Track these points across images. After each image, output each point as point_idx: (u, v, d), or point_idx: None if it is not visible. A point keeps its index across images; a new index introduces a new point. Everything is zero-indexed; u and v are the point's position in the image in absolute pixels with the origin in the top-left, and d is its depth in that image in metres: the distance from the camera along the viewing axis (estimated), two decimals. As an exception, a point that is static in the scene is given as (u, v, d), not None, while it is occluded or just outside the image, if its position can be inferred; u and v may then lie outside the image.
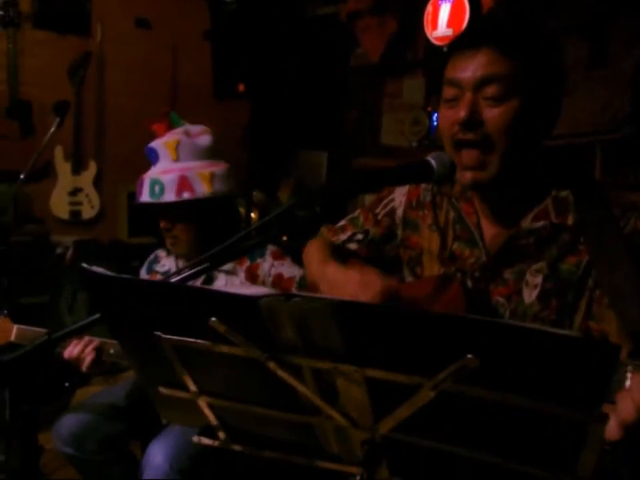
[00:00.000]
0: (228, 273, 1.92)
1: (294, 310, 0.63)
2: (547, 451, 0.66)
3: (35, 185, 3.40)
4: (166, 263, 2.06)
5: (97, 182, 3.59)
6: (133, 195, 3.56)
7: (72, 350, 1.78)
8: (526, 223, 1.14)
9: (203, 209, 1.86)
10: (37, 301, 3.07)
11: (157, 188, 1.83)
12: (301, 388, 0.73)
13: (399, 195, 1.35)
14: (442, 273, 1.24)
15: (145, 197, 1.86)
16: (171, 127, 1.95)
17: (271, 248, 1.95)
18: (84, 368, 1.78)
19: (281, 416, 0.82)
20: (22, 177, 2.24)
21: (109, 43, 3.59)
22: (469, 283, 1.19)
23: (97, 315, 0.90)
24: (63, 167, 3.48)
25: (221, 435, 0.93)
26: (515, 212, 1.16)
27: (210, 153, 1.92)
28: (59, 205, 3.49)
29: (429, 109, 3.41)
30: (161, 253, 2.11)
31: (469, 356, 0.58)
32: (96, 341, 1.80)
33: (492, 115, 1.06)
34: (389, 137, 3.59)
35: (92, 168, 3.55)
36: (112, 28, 3.58)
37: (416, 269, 1.31)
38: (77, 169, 3.49)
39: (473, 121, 1.06)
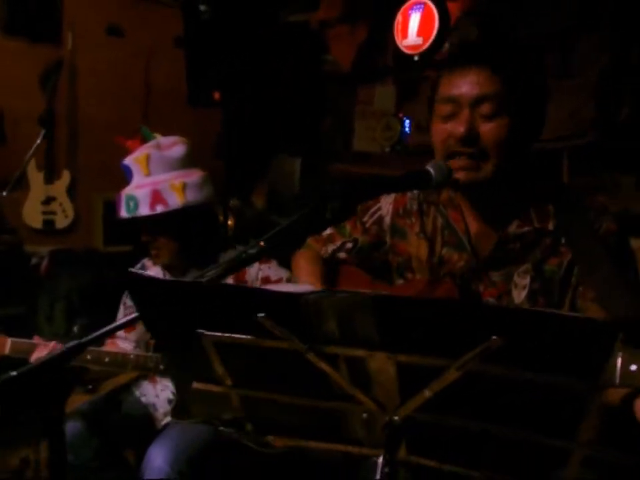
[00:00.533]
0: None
1: (338, 304, 0.71)
2: (555, 420, 0.76)
3: (8, 195, 3.39)
4: (153, 272, 2.10)
5: (71, 191, 3.59)
6: (108, 204, 3.60)
7: (37, 356, 1.83)
8: (512, 229, 1.26)
9: (179, 220, 1.89)
10: (13, 312, 3.06)
11: (131, 203, 1.87)
12: (336, 376, 0.81)
13: (386, 204, 1.44)
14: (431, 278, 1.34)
15: (123, 213, 1.90)
16: (144, 141, 1.97)
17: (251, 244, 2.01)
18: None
19: (312, 403, 0.90)
20: (4, 193, 2.24)
21: (81, 51, 3.60)
22: (459, 285, 1.29)
23: (135, 315, 0.95)
24: (36, 177, 3.47)
25: (248, 426, 1.00)
26: (500, 218, 1.27)
27: (182, 163, 1.94)
28: (32, 215, 3.48)
29: (401, 115, 3.55)
30: (148, 262, 2.14)
31: (494, 337, 0.67)
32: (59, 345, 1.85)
33: (486, 129, 1.17)
34: (362, 143, 3.70)
35: (65, 177, 3.55)
36: (83, 36, 3.59)
37: (406, 274, 1.40)
38: (50, 178, 3.49)
39: (471, 137, 1.17)
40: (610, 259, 1.14)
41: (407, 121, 3.47)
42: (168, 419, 1.96)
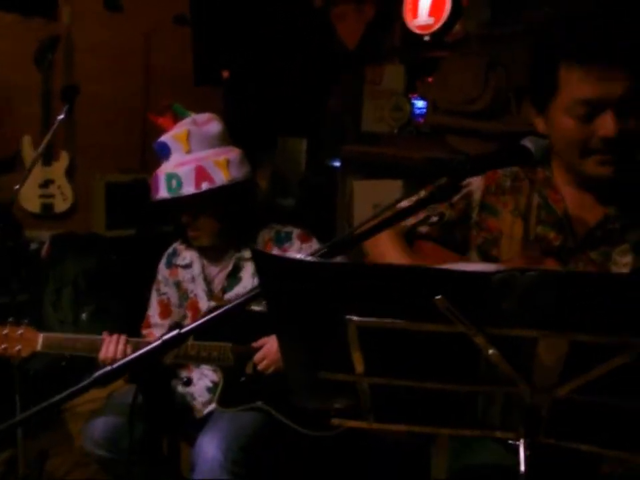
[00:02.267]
0: None
1: (527, 282, 0.70)
2: None
3: (1, 177, 3.27)
4: (187, 256, 2.06)
5: (70, 173, 3.48)
6: (110, 186, 3.51)
7: (105, 352, 1.77)
8: (612, 210, 1.25)
9: (224, 197, 1.88)
10: (17, 299, 2.95)
11: (174, 182, 1.82)
12: (499, 359, 0.79)
13: (476, 180, 1.43)
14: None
15: (163, 193, 1.85)
16: (176, 118, 1.94)
17: (296, 231, 2.00)
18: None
19: (453, 388, 0.88)
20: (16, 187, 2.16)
21: (78, 26, 3.48)
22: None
23: (255, 293, 0.91)
24: (32, 158, 3.34)
25: (370, 416, 0.98)
26: (601, 200, 1.27)
27: (221, 140, 1.94)
28: (30, 199, 3.37)
29: (410, 95, 3.51)
30: (180, 245, 2.11)
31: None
32: (124, 336, 1.80)
33: (631, 128, 1.18)
34: (370, 124, 3.66)
35: (63, 158, 3.45)
36: (80, 10, 3.47)
37: (491, 251, 1.39)
38: (48, 159, 3.38)
39: (620, 139, 1.17)
40: None
41: (419, 102, 3.43)
42: (209, 407, 1.93)
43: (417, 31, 3.41)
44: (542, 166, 1.34)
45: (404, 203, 1.08)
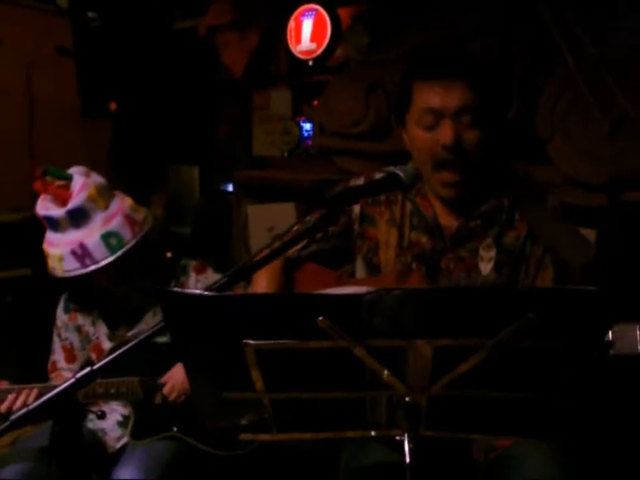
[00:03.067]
0: (155, 298, 2.00)
1: (392, 300, 0.84)
2: (564, 377, 0.94)
3: None
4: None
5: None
6: (1, 226, 3.40)
7: (10, 403, 1.76)
8: (472, 210, 1.46)
9: (146, 240, 1.88)
10: None
11: (113, 240, 1.79)
12: (376, 366, 0.94)
13: None
14: (399, 266, 1.50)
15: (104, 256, 1.78)
16: (55, 180, 1.83)
17: (192, 263, 2.06)
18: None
19: (342, 396, 1.02)
20: None
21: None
22: (428, 266, 1.47)
23: (158, 328, 1.00)
24: None
25: (274, 428, 1.10)
26: (465, 204, 1.49)
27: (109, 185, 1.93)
28: None
29: (298, 118, 3.69)
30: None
31: (530, 315, 0.84)
32: (35, 390, 1.79)
33: (469, 138, 1.35)
34: (261, 148, 3.80)
35: (-58, 199, 3.32)
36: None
37: (373, 258, 1.57)
38: None
39: (458, 145, 1.34)
40: (558, 219, 1.38)
41: (307, 125, 3.61)
42: (122, 442, 1.96)
43: (301, 56, 3.62)
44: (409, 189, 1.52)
45: (290, 233, 1.20)
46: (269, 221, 3.45)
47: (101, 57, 3.30)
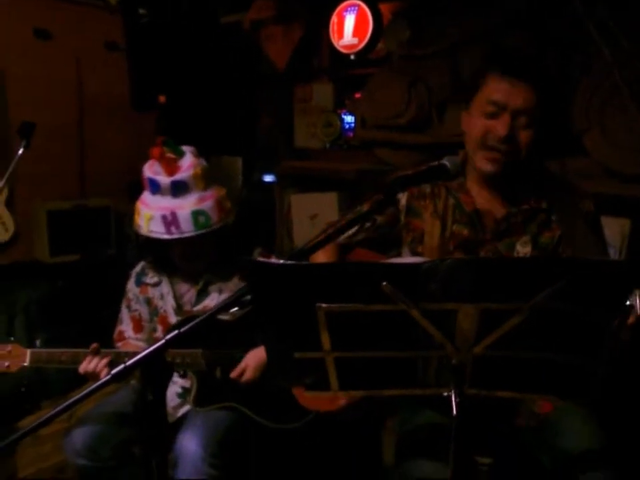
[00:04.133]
0: (223, 279, 2.24)
1: (446, 268, 1.02)
2: (591, 340, 1.11)
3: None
4: (155, 275, 2.28)
5: (9, 203, 3.63)
6: (53, 213, 3.69)
7: (87, 365, 1.99)
8: (513, 207, 1.62)
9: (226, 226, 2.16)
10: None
11: (201, 218, 2.04)
12: (431, 328, 1.12)
13: None
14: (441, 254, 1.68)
15: (189, 229, 2.03)
16: (170, 152, 2.10)
17: (257, 250, 2.28)
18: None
19: (399, 355, 1.20)
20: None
21: (9, 57, 3.64)
22: (468, 254, 1.64)
23: (241, 294, 1.20)
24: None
25: (334, 385, 1.28)
26: (504, 200, 1.64)
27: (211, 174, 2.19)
28: (-31, 230, 3.50)
29: (340, 111, 3.87)
30: (147, 265, 2.32)
31: (560, 281, 1.01)
32: (108, 356, 2.02)
33: (522, 136, 1.56)
34: (303, 140, 3.99)
35: (2, 189, 3.58)
36: (11, 41, 3.63)
37: (417, 247, 1.75)
38: (-13, 190, 3.51)
39: (509, 139, 1.54)
40: (589, 233, 1.54)
41: (348, 117, 3.78)
42: (182, 411, 2.18)
43: (343, 51, 3.79)
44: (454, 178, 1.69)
45: (343, 220, 1.38)
46: (311, 209, 3.65)
47: (151, 52, 3.51)
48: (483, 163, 1.61)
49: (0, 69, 3.63)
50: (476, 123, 1.61)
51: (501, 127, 1.55)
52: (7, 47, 3.64)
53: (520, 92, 1.55)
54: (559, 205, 1.61)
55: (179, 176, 2.06)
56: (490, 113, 1.58)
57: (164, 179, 2.05)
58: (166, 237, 2.04)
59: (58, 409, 1.29)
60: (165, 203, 2.05)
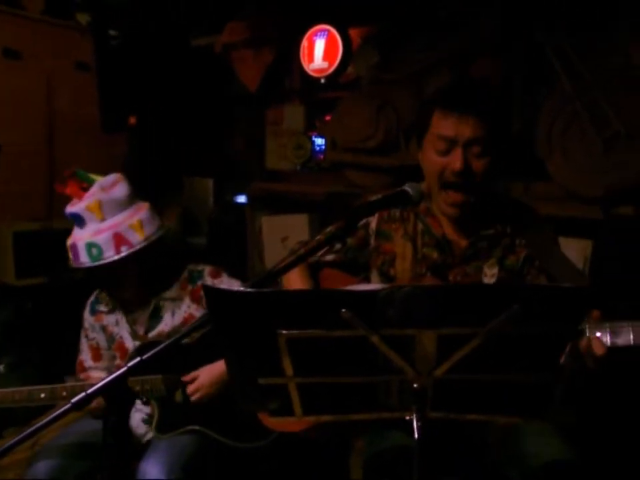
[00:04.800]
0: (173, 300, 2.21)
1: (403, 295, 1.04)
2: (548, 361, 1.13)
3: None
4: (109, 302, 2.26)
5: (-25, 223, 3.59)
6: (19, 235, 3.63)
7: None
8: (480, 232, 1.67)
9: (141, 255, 2.06)
10: None
11: (94, 250, 2.01)
12: (390, 353, 1.14)
13: None
14: (414, 275, 1.71)
15: (85, 261, 2.02)
16: (82, 184, 2.09)
17: (207, 269, 2.25)
18: None
19: (360, 380, 1.22)
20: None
21: (-23, 76, 3.61)
22: (439, 277, 1.67)
23: (199, 323, 1.20)
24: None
25: (298, 410, 1.29)
26: (471, 225, 1.70)
27: (130, 200, 2.10)
28: None
29: (310, 133, 3.91)
30: (101, 293, 2.29)
31: (515, 306, 1.03)
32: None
33: (477, 166, 1.58)
34: (274, 162, 4.02)
35: (-33, 209, 3.54)
36: (-21, 60, 3.61)
37: (389, 270, 1.76)
38: (-48, 211, 3.47)
39: (465, 171, 1.57)
40: (557, 251, 1.59)
41: (319, 139, 3.83)
42: (148, 436, 2.16)
43: (314, 74, 3.85)
44: (416, 205, 1.73)
45: (312, 242, 1.40)
46: (282, 231, 3.67)
47: (121, 72, 3.52)
48: (444, 206, 1.65)
49: (-32, 88, 3.61)
50: (431, 160, 1.64)
51: (454, 161, 1.57)
52: (-24, 66, 3.63)
53: (467, 123, 1.57)
54: (523, 229, 1.65)
55: (73, 208, 2.05)
56: (442, 150, 1.60)
57: (66, 211, 2.07)
58: (74, 265, 2.06)
59: (18, 437, 1.27)
60: (74, 233, 2.08)
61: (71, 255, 2.08)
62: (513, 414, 1.22)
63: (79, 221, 2.05)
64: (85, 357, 2.28)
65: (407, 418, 1.25)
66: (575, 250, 2.54)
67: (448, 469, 1.71)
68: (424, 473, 1.27)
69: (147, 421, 2.18)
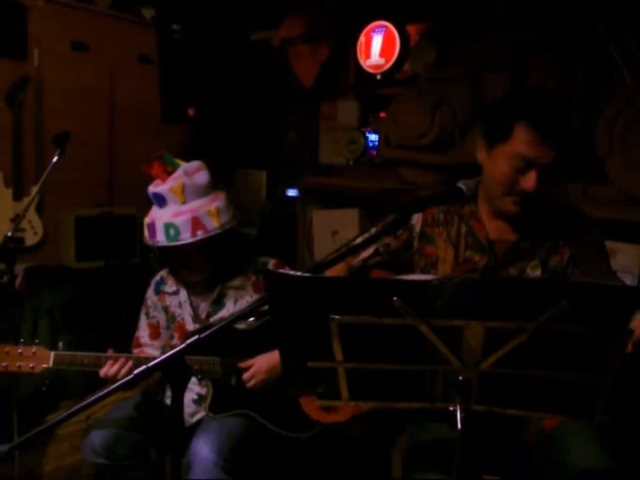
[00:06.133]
0: (237, 288, 2.29)
1: (454, 285, 1.08)
2: (596, 360, 1.15)
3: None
4: (173, 284, 2.36)
5: (39, 208, 3.75)
6: (81, 220, 3.79)
7: (108, 369, 2.07)
8: (522, 234, 1.70)
9: (214, 241, 2.15)
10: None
11: (172, 231, 2.10)
12: (438, 343, 1.17)
13: (415, 215, 1.82)
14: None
15: (161, 240, 2.12)
16: (166, 167, 2.19)
17: (272, 261, 2.33)
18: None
19: (407, 368, 1.25)
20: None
21: (46, 67, 3.77)
22: None
23: (261, 303, 1.26)
24: (4, 194, 3.61)
25: (344, 394, 1.34)
26: (514, 227, 1.71)
27: (210, 188, 2.21)
28: (1, 233, 3.61)
29: (364, 129, 3.95)
30: (166, 274, 2.38)
31: (563, 302, 1.05)
32: (130, 361, 2.09)
33: (544, 186, 1.61)
34: (327, 156, 4.07)
35: (33, 194, 3.70)
36: (49, 52, 3.77)
37: (431, 272, 1.79)
38: (19, 195, 3.64)
39: (536, 192, 1.59)
40: (603, 258, 1.59)
41: (372, 135, 3.86)
42: (197, 417, 2.24)
43: (370, 70, 3.88)
44: (468, 202, 1.76)
45: (359, 239, 1.43)
46: (332, 225, 3.72)
47: (182, 66, 3.63)
48: (509, 205, 1.66)
49: (39, 79, 3.77)
50: (501, 170, 1.64)
51: (529, 183, 1.59)
52: (47, 58, 3.78)
53: (549, 149, 1.58)
54: (567, 230, 1.66)
55: (156, 188, 2.14)
56: (518, 167, 1.60)
57: (149, 190, 2.17)
58: (149, 242, 2.16)
59: (77, 406, 1.34)
60: (153, 212, 2.18)
61: (147, 233, 2.18)
62: (556, 412, 1.24)
63: (160, 200, 2.15)
64: (143, 333, 2.38)
65: (451, 409, 1.28)
66: (630, 256, 2.50)
67: (490, 464, 1.73)
68: (464, 465, 1.30)
69: (197, 401, 2.27)
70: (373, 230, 1.42)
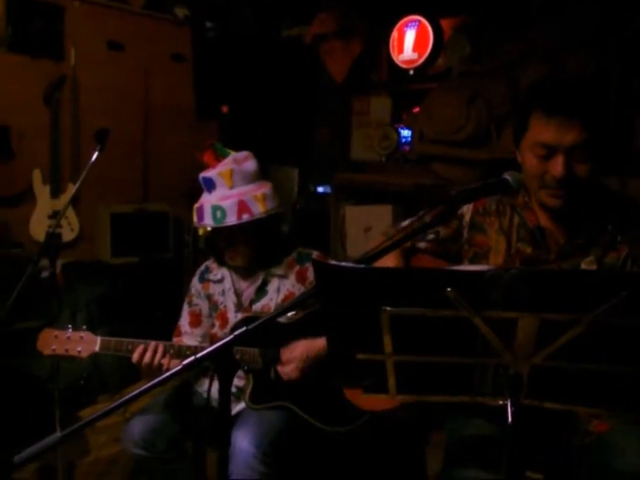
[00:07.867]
0: (281, 277, 2.31)
1: (508, 277, 1.06)
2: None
3: (12, 209, 3.60)
4: (218, 272, 2.39)
5: (75, 204, 3.80)
6: (116, 216, 3.84)
7: (140, 354, 2.09)
8: (577, 229, 1.64)
9: (259, 226, 2.20)
10: (33, 325, 3.25)
11: (218, 213, 2.15)
12: (491, 335, 1.15)
13: (466, 204, 1.79)
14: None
15: (208, 222, 2.18)
16: (217, 155, 2.27)
17: (315, 253, 2.35)
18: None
19: (457, 361, 1.24)
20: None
21: (83, 66, 3.82)
22: None
23: (309, 294, 1.26)
24: (42, 191, 3.67)
25: (392, 388, 1.32)
26: (568, 220, 1.66)
27: (257, 176, 2.27)
28: (39, 229, 3.66)
29: (397, 125, 3.92)
30: (212, 263, 2.43)
31: (623, 293, 1.03)
32: (161, 346, 2.11)
33: (580, 171, 1.54)
34: (359, 152, 4.06)
35: (70, 190, 3.76)
36: (85, 51, 3.82)
37: (481, 262, 1.76)
38: (56, 192, 3.69)
39: (567, 178, 1.53)
40: None
41: (405, 131, 3.83)
42: (236, 408, 2.25)
43: (403, 66, 3.86)
44: (521, 193, 1.72)
45: (409, 227, 1.43)
46: (365, 221, 3.71)
47: (215, 63, 3.65)
48: (546, 199, 1.61)
49: (75, 79, 3.82)
50: (529, 162, 1.60)
51: (556, 168, 1.54)
52: (83, 58, 3.83)
53: (569, 128, 1.52)
54: (625, 225, 1.61)
55: (207, 173, 2.21)
56: (542, 156, 1.56)
57: (200, 176, 2.23)
58: (197, 225, 2.23)
59: (123, 399, 1.32)
60: (203, 197, 2.24)
61: (195, 217, 2.24)
62: (609, 407, 1.21)
63: (209, 185, 2.22)
64: (184, 322, 2.41)
65: (501, 403, 1.26)
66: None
67: (534, 462, 1.70)
68: (512, 461, 1.28)
69: (236, 394, 2.27)
70: (425, 219, 1.40)
